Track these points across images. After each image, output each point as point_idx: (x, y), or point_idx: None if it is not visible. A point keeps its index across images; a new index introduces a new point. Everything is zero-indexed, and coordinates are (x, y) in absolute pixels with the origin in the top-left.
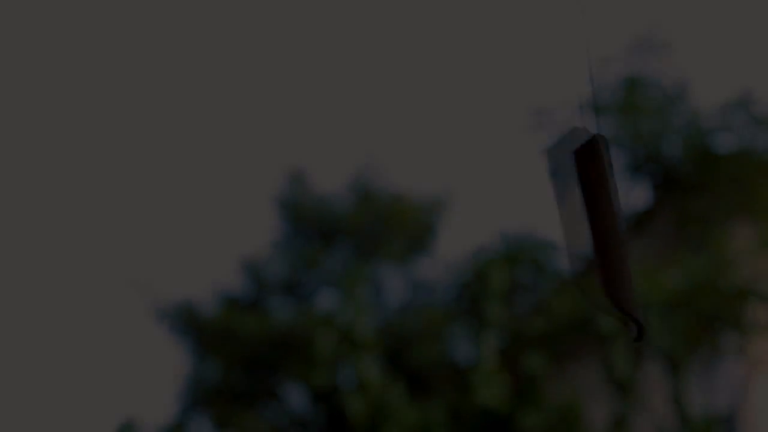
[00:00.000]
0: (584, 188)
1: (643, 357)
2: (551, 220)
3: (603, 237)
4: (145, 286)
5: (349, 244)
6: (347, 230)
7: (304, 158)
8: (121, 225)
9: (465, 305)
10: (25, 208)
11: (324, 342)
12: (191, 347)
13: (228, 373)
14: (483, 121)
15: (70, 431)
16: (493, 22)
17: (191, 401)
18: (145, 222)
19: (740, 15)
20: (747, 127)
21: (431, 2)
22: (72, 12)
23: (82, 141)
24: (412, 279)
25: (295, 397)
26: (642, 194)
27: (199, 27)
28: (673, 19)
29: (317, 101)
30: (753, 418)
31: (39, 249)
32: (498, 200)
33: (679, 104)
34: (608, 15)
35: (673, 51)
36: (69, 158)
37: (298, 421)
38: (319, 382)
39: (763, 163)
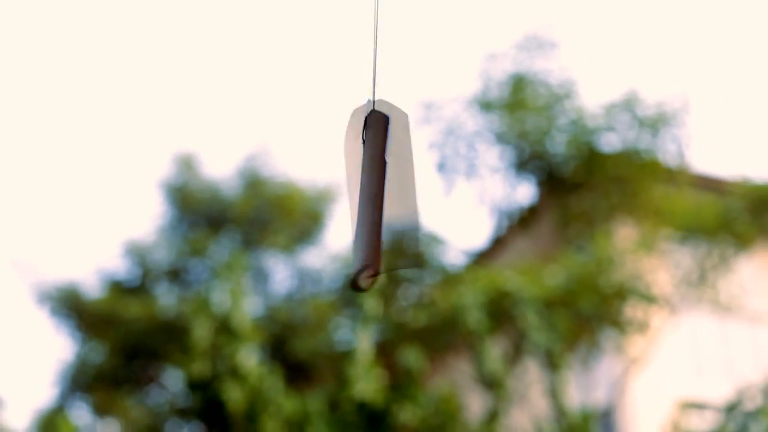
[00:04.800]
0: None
1: (522, 353)
2: (436, 214)
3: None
4: (28, 267)
5: (236, 232)
6: (235, 217)
7: (193, 143)
8: (5, 206)
9: (349, 296)
10: None
11: (200, 329)
12: (73, 331)
13: (110, 358)
14: None
15: None
16: (389, 17)
17: (72, 385)
18: (29, 203)
19: (628, 17)
20: (631, 128)
21: None
22: None
23: None
24: (299, 268)
25: (177, 384)
26: (526, 191)
27: (95, 8)
28: (561, 19)
29: (209, 86)
30: (630, 415)
31: None
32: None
33: (565, 103)
34: (498, 13)
35: (561, 50)
36: None
37: (178, 409)
38: (196, 370)
39: (645, 164)
